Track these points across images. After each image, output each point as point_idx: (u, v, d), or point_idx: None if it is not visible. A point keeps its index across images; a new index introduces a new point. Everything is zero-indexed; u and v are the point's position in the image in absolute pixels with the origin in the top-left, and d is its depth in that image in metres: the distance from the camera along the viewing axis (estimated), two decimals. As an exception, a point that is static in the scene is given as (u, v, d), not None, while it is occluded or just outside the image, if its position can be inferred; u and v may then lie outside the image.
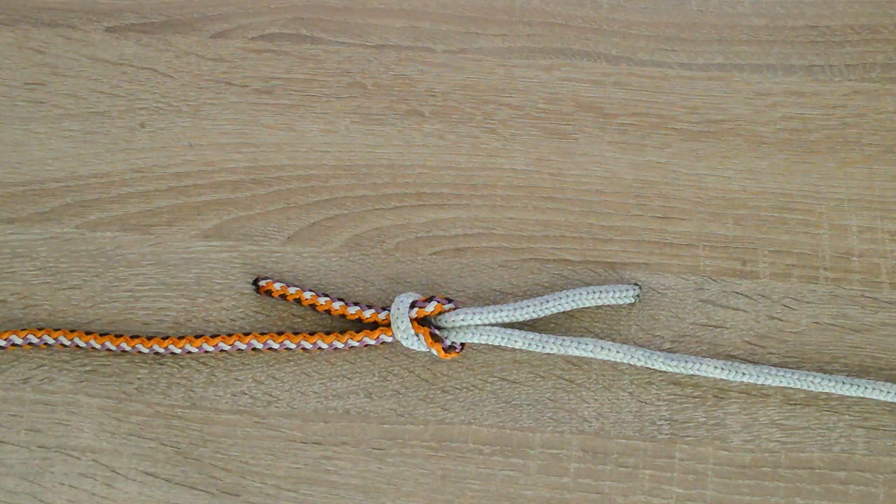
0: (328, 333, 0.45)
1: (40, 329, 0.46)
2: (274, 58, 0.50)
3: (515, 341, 0.45)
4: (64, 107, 0.49)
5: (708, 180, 0.48)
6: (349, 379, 0.46)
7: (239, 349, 0.45)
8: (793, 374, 0.44)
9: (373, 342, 0.45)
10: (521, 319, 0.45)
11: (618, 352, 0.45)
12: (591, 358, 0.45)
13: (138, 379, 0.46)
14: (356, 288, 0.47)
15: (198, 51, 0.50)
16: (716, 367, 0.44)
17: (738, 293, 0.46)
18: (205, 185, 0.48)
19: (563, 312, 0.46)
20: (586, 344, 0.45)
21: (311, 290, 0.46)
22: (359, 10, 0.51)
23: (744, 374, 0.44)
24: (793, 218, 0.47)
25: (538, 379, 0.46)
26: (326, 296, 0.46)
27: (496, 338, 0.45)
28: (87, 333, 0.46)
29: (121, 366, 0.46)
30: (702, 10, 0.51)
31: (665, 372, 0.45)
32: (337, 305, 0.45)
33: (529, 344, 0.45)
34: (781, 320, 0.46)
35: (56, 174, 0.48)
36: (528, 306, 0.45)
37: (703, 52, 0.50)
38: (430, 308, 0.45)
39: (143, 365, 0.46)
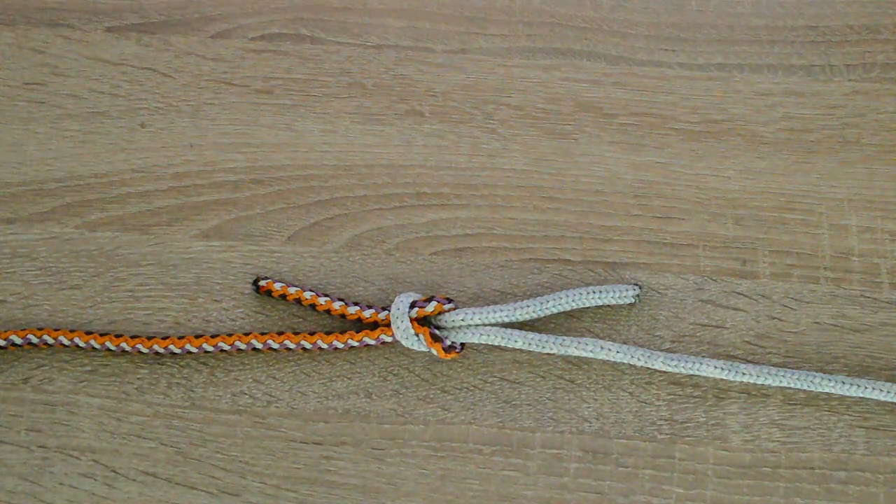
0: (328, 333, 0.45)
1: (40, 329, 0.46)
2: (274, 58, 0.50)
3: (515, 341, 0.45)
4: (64, 107, 0.49)
5: (708, 180, 0.48)
6: (349, 379, 0.46)
7: (239, 349, 0.45)
8: (793, 374, 0.44)
9: (373, 342, 0.45)
10: (521, 319, 0.45)
11: (618, 352, 0.45)
12: (592, 358, 0.45)
13: (138, 379, 0.46)
14: (356, 288, 0.47)
15: (198, 51, 0.50)
16: (716, 367, 0.44)
17: (738, 293, 0.46)
18: (205, 185, 0.48)
19: (563, 312, 0.46)
20: (586, 344, 0.45)
21: (311, 290, 0.46)
22: (359, 10, 0.51)
23: (744, 374, 0.44)
24: (793, 218, 0.47)
25: (538, 379, 0.46)
26: (326, 296, 0.46)
27: (496, 338, 0.45)
28: (87, 333, 0.46)
29: (121, 366, 0.46)
30: (702, 10, 0.51)
31: (665, 372, 0.45)
32: (337, 305, 0.45)
33: (529, 344, 0.45)
34: (781, 320, 0.46)
35: (56, 174, 0.48)
36: (528, 306, 0.45)
37: (703, 52, 0.50)
38: (430, 308, 0.45)
39: (143, 365, 0.46)
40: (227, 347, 0.45)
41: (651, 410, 0.45)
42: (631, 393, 0.45)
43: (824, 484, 0.44)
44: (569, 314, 0.46)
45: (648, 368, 0.45)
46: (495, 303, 0.46)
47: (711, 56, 0.50)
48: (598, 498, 0.44)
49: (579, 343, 0.45)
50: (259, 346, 0.45)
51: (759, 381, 0.44)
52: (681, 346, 0.46)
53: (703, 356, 0.45)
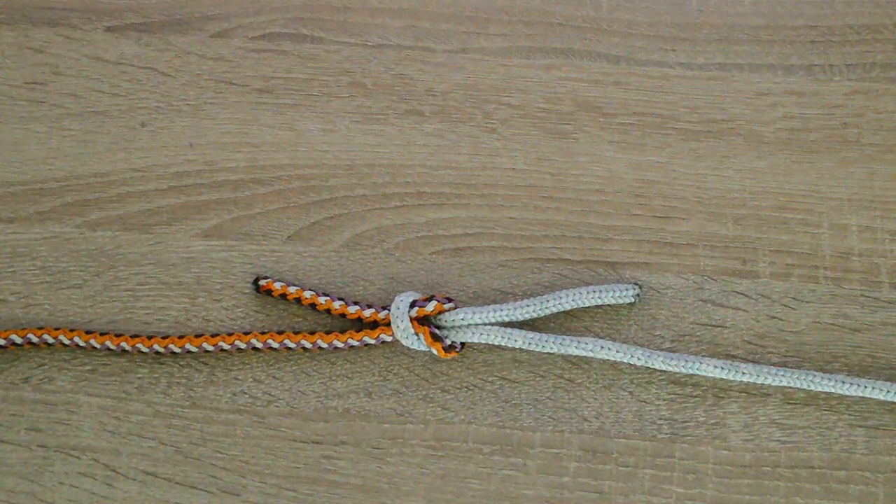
0: (328, 333, 0.45)
1: (40, 328, 0.46)
2: (274, 57, 0.50)
3: (515, 340, 0.45)
4: (64, 106, 0.49)
5: (708, 180, 0.48)
6: (349, 378, 0.46)
7: (239, 348, 0.45)
8: (793, 373, 0.44)
9: (373, 341, 0.45)
10: (521, 319, 0.45)
11: (618, 351, 0.45)
12: (591, 357, 0.45)
13: (138, 378, 0.46)
14: (356, 287, 0.47)
15: (198, 50, 0.50)
16: (716, 367, 0.44)
17: (738, 293, 0.46)
18: (205, 184, 0.48)
19: (563, 312, 0.46)
20: (586, 343, 0.45)
21: (311, 290, 0.46)
22: (359, 10, 0.51)
23: (744, 373, 0.44)
24: (793, 217, 0.47)
25: (538, 378, 0.46)
26: (326, 295, 0.46)
27: (496, 337, 0.45)
28: (87, 333, 0.46)
29: (121, 365, 0.46)
30: (702, 10, 0.51)
31: (665, 371, 0.45)
32: (337, 305, 0.45)
33: (529, 343, 0.45)
34: (781, 320, 0.46)
35: (56, 174, 0.48)
36: (528, 306, 0.45)
37: (703, 52, 0.50)
38: (430, 307, 0.45)
39: (143, 364, 0.46)
40: (227, 347, 0.45)
41: (651, 410, 0.45)
42: (631, 392, 0.45)
43: (824, 483, 0.44)
44: (569, 314, 0.46)
45: (648, 368, 0.45)
46: (495, 302, 0.46)
47: (712, 56, 0.50)
48: (598, 497, 0.44)
49: (579, 342, 0.45)
50: (259, 345, 0.45)
51: (759, 381, 0.44)
52: (681, 345, 0.46)
53: (703, 356, 0.45)
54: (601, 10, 0.51)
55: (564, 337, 0.45)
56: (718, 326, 0.46)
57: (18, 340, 0.45)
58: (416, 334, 0.44)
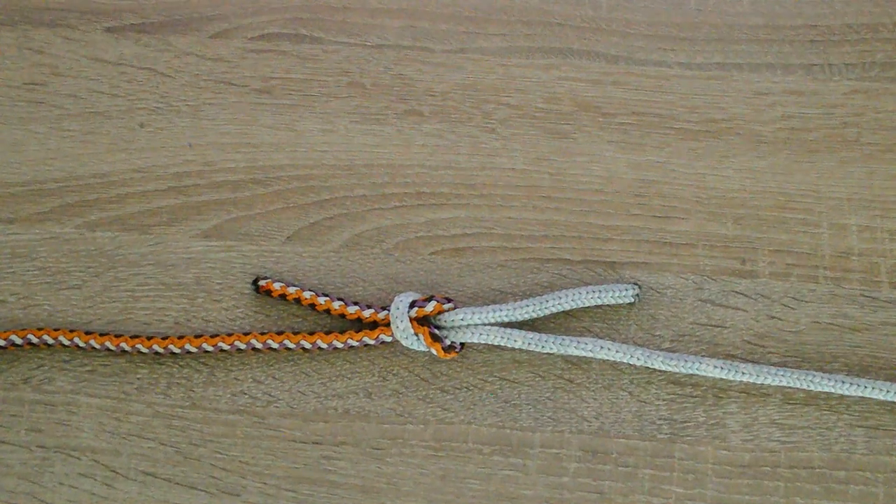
0: (328, 333, 0.45)
1: (40, 329, 0.46)
2: (273, 58, 0.50)
3: (515, 341, 0.45)
4: (63, 107, 0.49)
5: (707, 179, 0.48)
6: (349, 379, 0.46)
7: (238, 349, 0.45)
8: (792, 373, 0.44)
9: (372, 342, 0.45)
10: (520, 319, 0.45)
11: (617, 351, 0.45)
12: (591, 357, 0.45)
13: (138, 379, 0.46)
14: (356, 287, 0.47)
15: (197, 51, 0.50)
16: (715, 367, 0.44)
17: (737, 292, 0.46)
18: (204, 184, 0.48)
19: (563, 312, 0.46)
20: (586, 343, 0.45)
21: (310, 290, 0.46)
22: (358, 10, 0.51)
23: (743, 373, 0.44)
24: (792, 217, 0.47)
25: (538, 378, 0.46)
26: (326, 295, 0.46)
27: (496, 337, 0.45)
28: (87, 333, 0.46)
29: (120, 366, 0.46)
30: (701, 10, 0.51)
31: (665, 371, 0.45)
32: (336, 305, 0.45)
33: (529, 343, 0.45)
34: (781, 319, 0.46)
35: (56, 174, 0.48)
36: (528, 306, 0.45)
37: (702, 52, 0.50)
38: (430, 308, 0.45)
39: (142, 365, 0.46)
40: (226, 347, 0.45)
41: (651, 410, 0.45)
42: (630, 392, 0.45)
43: (824, 483, 0.44)
44: (568, 314, 0.46)
45: (648, 368, 0.45)
46: (495, 302, 0.46)
47: (710, 55, 0.50)
48: (598, 497, 0.44)
49: (579, 342, 0.45)
50: (259, 345, 0.45)
51: (759, 381, 0.44)
52: (680, 345, 0.46)
53: (703, 355, 0.45)
54: (600, 10, 0.51)
55: (564, 337, 0.45)
56: (718, 326, 0.46)
57: (18, 341, 0.46)
58: (416, 334, 0.44)
